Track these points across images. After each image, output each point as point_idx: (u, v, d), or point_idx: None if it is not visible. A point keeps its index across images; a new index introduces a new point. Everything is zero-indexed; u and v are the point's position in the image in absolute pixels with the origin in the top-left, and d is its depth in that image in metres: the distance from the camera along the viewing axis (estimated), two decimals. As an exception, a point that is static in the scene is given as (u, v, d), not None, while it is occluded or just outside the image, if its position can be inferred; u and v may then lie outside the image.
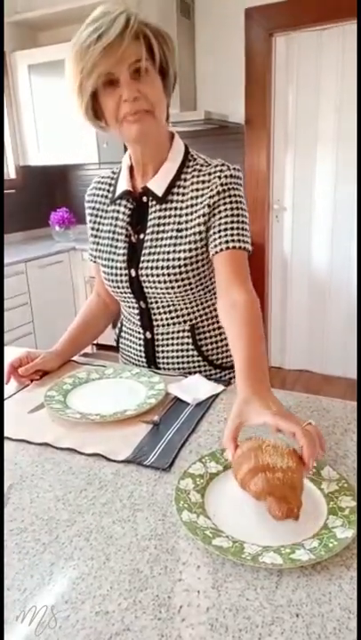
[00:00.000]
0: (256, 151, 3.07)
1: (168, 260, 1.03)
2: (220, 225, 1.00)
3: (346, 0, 2.55)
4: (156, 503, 0.69)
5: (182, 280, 1.04)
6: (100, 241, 1.13)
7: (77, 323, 1.22)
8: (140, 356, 1.18)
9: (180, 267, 1.02)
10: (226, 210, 1.00)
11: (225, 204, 1.00)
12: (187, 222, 1.02)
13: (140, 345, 1.17)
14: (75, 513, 0.68)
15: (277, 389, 1.02)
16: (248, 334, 0.87)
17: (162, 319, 1.11)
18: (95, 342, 3.21)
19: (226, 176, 1.00)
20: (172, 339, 1.13)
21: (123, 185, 1.08)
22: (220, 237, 0.99)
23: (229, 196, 1.00)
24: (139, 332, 1.16)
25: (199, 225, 1.01)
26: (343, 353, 3.16)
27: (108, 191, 1.13)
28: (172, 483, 0.73)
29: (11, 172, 3.48)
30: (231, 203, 1.00)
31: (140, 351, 1.17)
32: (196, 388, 1.02)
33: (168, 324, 1.12)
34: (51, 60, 3.13)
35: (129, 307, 1.14)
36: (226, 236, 0.99)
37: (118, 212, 1.09)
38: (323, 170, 2.98)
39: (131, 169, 1.09)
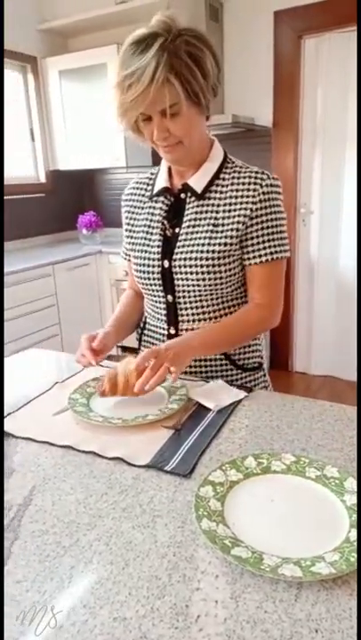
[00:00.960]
0: (283, 154, 3.05)
1: (202, 252, 1.06)
2: (258, 237, 1.06)
3: (377, 1, 2.51)
4: (175, 510, 0.69)
5: (214, 273, 1.07)
6: (133, 235, 1.18)
7: (121, 310, 1.27)
8: None
9: (212, 259, 1.06)
10: (267, 221, 1.05)
11: (266, 214, 1.05)
12: (223, 219, 1.06)
13: (162, 342, 1.18)
14: (95, 517, 0.69)
15: (300, 396, 1.01)
16: (229, 324, 1.10)
17: (187, 314, 1.13)
18: (120, 344, 3.24)
19: (267, 185, 1.04)
20: None
21: (161, 182, 1.13)
22: (258, 250, 1.06)
23: (270, 206, 1.05)
24: (162, 328, 1.18)
25: (236, 224, 1.05)
26: (371, 359, 3.09)
27: (146, 190, 1.18)
28: (193, 490, 0.73)
29: (41, 176, 3.54)
30: (272, 213, 1.05)
31: None
32: (218, 393, 1.02)
33: (193, 320, 1.13)
34: (80, 65, 3.18)
35: (156, 301, 1.17)
36: (265, 248, 1.06)
37: (155, 207, 1.14)
38: (351, 173, 2.94)
39: (169, 169, 1.14)
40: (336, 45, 2.80)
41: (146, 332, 1.25)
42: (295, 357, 3.38)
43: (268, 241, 1.06)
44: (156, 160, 3.56)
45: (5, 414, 1.00)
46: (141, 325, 1.28)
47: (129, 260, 1.23)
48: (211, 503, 0.68)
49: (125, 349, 3.30)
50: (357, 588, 0.55)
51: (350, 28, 2.74)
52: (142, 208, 1.17)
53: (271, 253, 1.06)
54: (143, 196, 1.18)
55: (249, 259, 1.07)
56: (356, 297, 3.08)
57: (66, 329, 3.05)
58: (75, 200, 3.80)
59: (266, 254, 1.06)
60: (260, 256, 1.06)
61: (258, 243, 1.06)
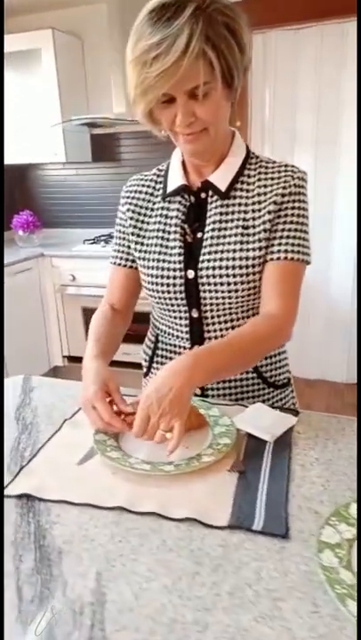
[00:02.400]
0: (233, 151, 2.98)
1: (234, 259, 0.92)
2: (282, 230, 0.92)
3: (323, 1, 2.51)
4: (296, 587, 0.56)
5: (248, 283, 0.93)
6: (144, 241, 1.00)
7: (105, 335, 0.98)
8: None
9: (247, 267, 0.92)
10: (293, 215, 0.92)
11: (293, 208, 0.92)
12: (254, 219, 0.93)
13: None
14: (200, 610, 0.54)
15: (352, 416, 0.91)
16: (235, 341, 0.87)
17: (215, 330, 0.99)
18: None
19: (298, 177, 0.93)
20: None
21: (177, 180, 0.97)
22: (280, 245, 0.92)
23: (298, 201, 0.92)
24: (184, 348, 1.02)
25: (265, 223, 0.92)
26: None
27: (155, 188, 1.01)
28: (302, 554, 0.60)
29: (-34, 172, 3.18)
30: (299, 209, 0.93)
31: None
32: (264, 420, 0.90)
33: (222, 337, 0.98)
34: (12, 50, 2.88)
35: (175, 317, 1.00)
36: (287, 244, 0.92)
37: (169, 209, 0.98)
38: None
39: (183, 164, 0.98)
40: (283, 42, 2.77)
41: (160, 351, 1.08)
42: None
43: (292, 237, 0.91)
44: (97, 156, 3.37)
45: (17, 468, 0.80)
46: (151, 342, 1.11)
47: (124, 266, 1.05)
48: (343, 575, 0.56)
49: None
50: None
51: (297, 26, 2.72)
52: (152, 209, 1.00)
53: (293, 252, 0.91)
54: (152, 195, 1.01)
55: (267, 254, 0.92)
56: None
57: (8, 340, 2.76)
58: (5, 198, 3.47)
59: (287, 251, 0.91)
60: (278, 252, 0.91)
61: (280, 237, 0.91)
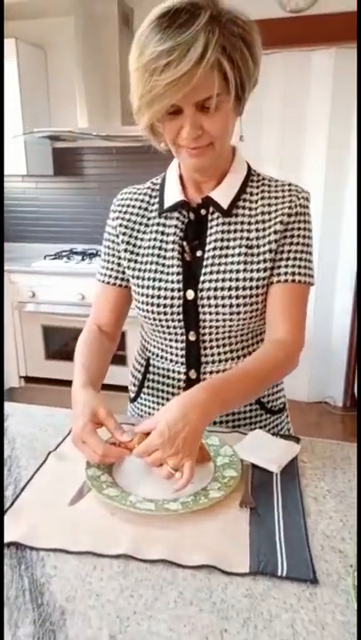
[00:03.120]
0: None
1: (238, 279, 0.88)
2: (289, 252, 0.89)
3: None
4: (337, 641, 0.51)
5: (250, 304, 0.89)
6: (138, 258, 0.94)
7: (92, 359, 0.91)
8: None
9: (250, 288, 0.88)
10: (299, 236, 0.89)
11: (299, 228, 0.89)
12: (258, 239, 0.89)
13: (178, 388, 0.96)
14: None
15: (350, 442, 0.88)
16: (251, 370, 0.82)
17: (212, 354, 0.93)
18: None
19: (304, 198, 0.90)
20: None
21: (175, 195, 0.91)
22: (286, 267, 0.89)
23: (304, 221, 0.89)
24: (178, 372, 0.96)
25: (271, 243, 0.88)
26: None
27: (149, 203, 0.95)
28: (335, 602, 0.55)
29: None
30: (305, 230, 0.90)
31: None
32: (267, 449, 0.85)
33: (220, 361, 0.93)
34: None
35: (171, 339, 0.94)
36: (294, 266, 0.88)
37: (165, 225, 0.92)
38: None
39: (181, 178, 0.93)
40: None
41: (151, 375, 1.01)
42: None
43: (298, 259, 0.88)
44: (59, 170, 3.27)
45: (5, 507, 0.70)
46: (140, 366, 1.04)
47: (113, 285, 0.98)
48: (387, 626, 0.51)
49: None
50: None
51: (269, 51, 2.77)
52: (147, 225, 0.94)
53: (300, 274, 0.88)
54: (146, 210, 0.95)
55: (272, 275, 0.89)
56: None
57: None
58: None
59: (294, 273, 0.88)
60: (285, 273, 0.88)
61: (286, 259, 0.88)
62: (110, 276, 0.97)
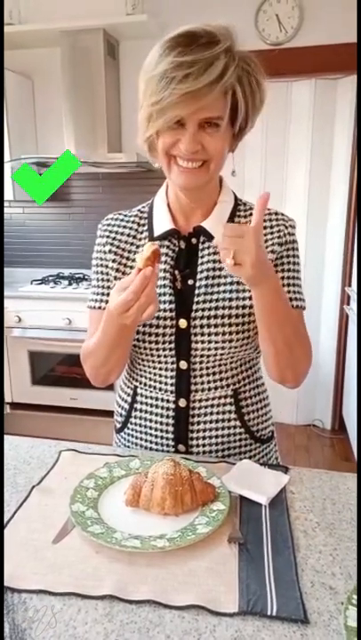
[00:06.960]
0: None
1: (230, 307, 0.88)
2: (282, 279, 0.91)
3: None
4: None
5: (242, 332, 0.89)
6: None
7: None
8: (166, 431, 0.95)
9: (243, 315, 0.89)
10: (290, 263, 0.91)
11: (288, 256, 0.91)
12: None
13: (167, 417, 0.95)
14: None
15: (341, 472, 0.87)
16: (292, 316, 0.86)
17: (202, 382, 0.93)
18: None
19: (291, 226, 0.92)
20: (212, 406, 0.94)
21: (165, 224, 0.92)
22: None
23: (293, 249, 0.92)
24: (167, 401, 0.95)
25: None
26: None
27: (137, 230, 0.95)
28: (327, 643, 0.53)
29: None
30: (294, 257, 0.92)
31: (167, 424, 0.95)
32: (255, 479, 0.84)
33: (209, 389, 0.93)
34: None
35: (161, 368, 0.93)
36: (288, 292, 0.90)
37: None
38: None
39: (169, 207, 0.93)
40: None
41: (139, 405, 0.98)
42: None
43: (290, 285, 0.90)
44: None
45: (-19, 551, 0.68)
46: (127, 395, 1.02)
47: (101, 309, 0.95)
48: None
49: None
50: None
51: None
52: (136, 252, 0.94)
53: (294, 299, 0.90)
54: (135, 237, 0.95)
55: None
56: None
57: None
58: None
59: (290, 299, 0.89)
60: None
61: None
62: (102, 301, 0.96)
